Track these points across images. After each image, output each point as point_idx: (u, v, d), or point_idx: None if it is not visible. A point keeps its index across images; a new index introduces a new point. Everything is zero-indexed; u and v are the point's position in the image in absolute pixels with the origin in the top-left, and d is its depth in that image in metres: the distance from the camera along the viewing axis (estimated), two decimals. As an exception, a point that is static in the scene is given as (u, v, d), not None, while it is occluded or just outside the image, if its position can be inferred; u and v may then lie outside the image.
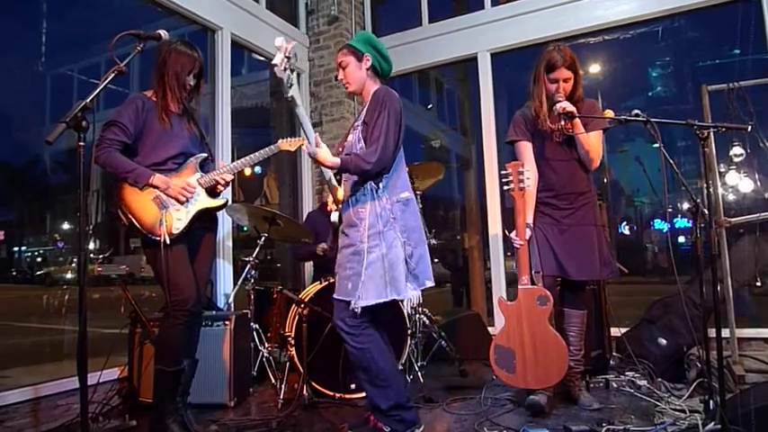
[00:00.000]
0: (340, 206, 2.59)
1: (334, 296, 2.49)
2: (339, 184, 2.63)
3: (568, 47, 2.90)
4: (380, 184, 2.45)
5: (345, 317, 2.42)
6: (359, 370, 2.46)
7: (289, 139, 2.99)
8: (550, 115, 2.86)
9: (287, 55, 2.12)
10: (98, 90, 1.87)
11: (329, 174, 2.58)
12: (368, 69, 2.56)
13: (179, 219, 2.56)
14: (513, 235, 2.85)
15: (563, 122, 2.75)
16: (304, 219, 4.59)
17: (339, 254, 2.53)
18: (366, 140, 2.45)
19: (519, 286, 2.80)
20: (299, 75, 5.27)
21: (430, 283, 2.52)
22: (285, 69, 2.14)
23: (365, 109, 2.53)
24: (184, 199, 2.58)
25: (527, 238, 2.82)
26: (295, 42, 2.17)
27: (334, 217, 2.60)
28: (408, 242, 2.43)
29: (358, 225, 2.43)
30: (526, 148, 2.98)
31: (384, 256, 2.37)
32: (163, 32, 2.13)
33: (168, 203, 2.55)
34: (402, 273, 2.39)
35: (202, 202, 2.67)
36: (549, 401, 2.82)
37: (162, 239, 2.45)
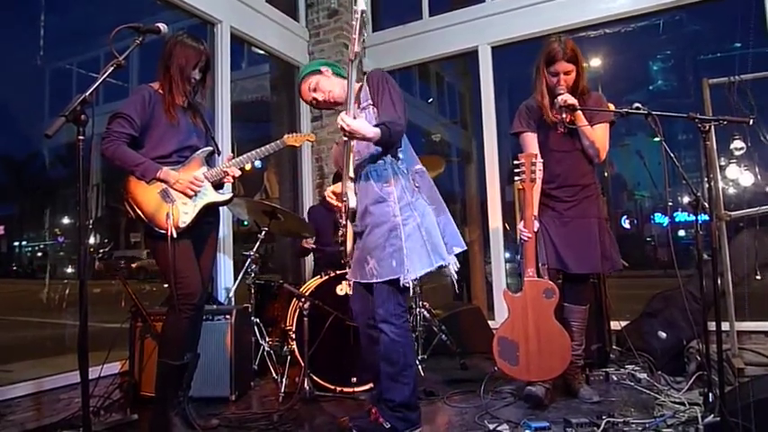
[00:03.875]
0: (344, 198, 2.49)
1: (377, 280, 2.38)
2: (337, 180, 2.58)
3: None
4: (399, 156, 2.46)
5: (390, 305, 2.38)
6: (385, 362, 2.40)
7: (294, 134, 2.99)
8: (552, 108, 2.86)
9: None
10: (97, 83, 1.86)
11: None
12: (334, 75, 2.59)
13: (186, 212, 2.56)
14: (521, 227, 2.84)
15: (565, 115, 2.74)
16: (305, 213, 4.58)
17: (369, 234, 2.42)
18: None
19: (525, 278, 2.79)
20: (296, 67, 5.25)
21: (459, 249, 2.50)
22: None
23: (364, 93, 2.50)
24: (192, 193, 2.58)
25: (535, 230, 2.82)
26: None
27: (353, 202, 2.49)
28: (433, 209, 2.46)
29: (386, 200, 2.40)
30: (531, 140, 2.97)
31: (420, 226, 2.37)
32: (162, 26, 2.12)
33: (175, 197, 2.55)
34: (440, 238, 2.40)
35: (209, 196, 2.66)
36: (547, 393, 2.83)
37: (169, 233, 2.44)
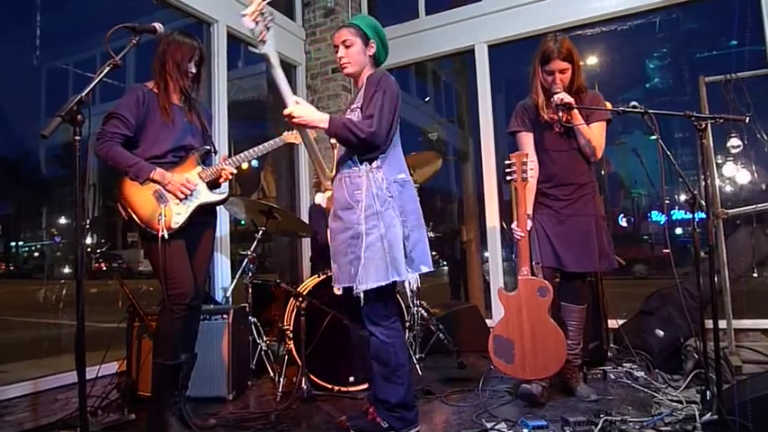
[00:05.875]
0: (327, 190, 2.50)
1: (336, 285, 2.43)
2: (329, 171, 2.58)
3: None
4: (375, 164, 2.39)
5: (375, 307, 2.37)
6: (377, 362, 2.40)
7: (292, 131, 2.98)
8: (548, 106, 2.86)
9: (260, 9, 2.04)
10: (93, 83, 1.86)
11: (313, 142, 2.46)
12: (370, 56, 2.51)
13: (178, 213, 2.55)
14: (514, 226, 2.85)
15: (561, 113, 2.75)
16: (305, 212, 4.57)
17: (334, 240, 2.46)
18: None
19: (519, 277, 2.80)
20: (294, 67, 5.25)
21: (426, 269, 2.45)
22: (257, 23, 2.05)
23: (361, 93, 2.46)
24: (183, 196, 2.57)
25: (528, 229, 2.83)
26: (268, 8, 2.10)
27: (319, 198, 2.53)
28: (405, 224, 2.38)
29: (354, 207, 2.37)
30: (527, 139, 2.98)
31: (383, 237, 2.31)
32: (158, 25, 2.12)
33: (168, 198, 2.54)
34: (401, 253, 2.33)
35: (203, 196, 2.66)
36: (543, 391, 2.83)
37: (160, 234, 2.44)
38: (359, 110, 2.40)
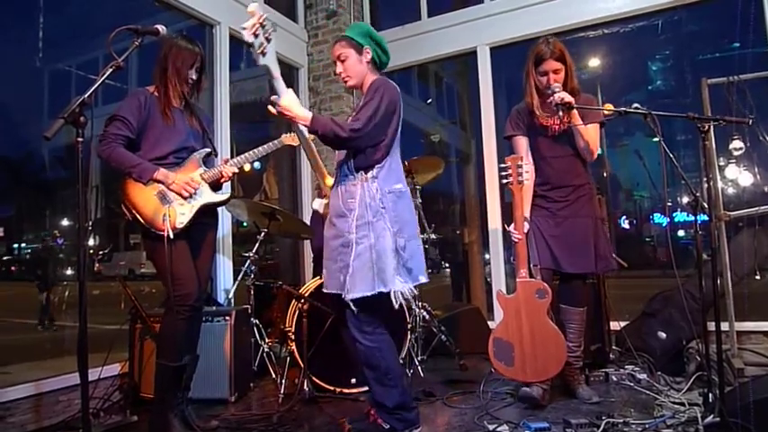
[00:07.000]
0: (326, 196, 2.54)
1: (324, 290, 2.46)
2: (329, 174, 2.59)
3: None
4: (370, 174, 2.39)
5: (358, 313, 2.36)
6: (367, 367, 2.42)
7: (291, 133, 2.99)
8: (543, 105, 2.87)
9: (260, 22, 2.04)
10: (96, 85, 1.86)
11: (312, 146, 2.48)
12: (368, 62, 2.50)
13: (182, 213, 2.56)
14: (511, 228, 2.86)
15: (561, 113, 2.74)
16: (307, 214, 4.58)
17: (327, 246, 2.48)
18: None
19: (517, 279, 2.80)
20: (296, 69, 5.26)
21: (423, 279, 2.47)
22: (257, 36, 2.05)
23: (363, 98, 2.47)
24: (188, 194, 2.58)
25: (525, 231, 2.83)
26: (271, 13, 2.11)
27: (317, 204, 2.55)
28: (401, 234, 2.37)
29: (347, 215, 2.37)
30: (522, 143, 3.01)
31: (372, 247, 2.32)
32: (161, 27, 2.13)
33: (172, 198, 2.55)
34: (390, 264, 2.32)
35: (206, 197, 2.67)
36: (544, 394, 2.83)
37: (165, 234, 2.44)
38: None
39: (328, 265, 2.45)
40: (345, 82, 2.54)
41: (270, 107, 2.30)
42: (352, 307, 2.34)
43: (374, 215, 2.35)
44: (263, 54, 2.12)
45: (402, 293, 2.35)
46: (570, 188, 2.92)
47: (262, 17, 2.06)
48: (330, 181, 2.58)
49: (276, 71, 2.20)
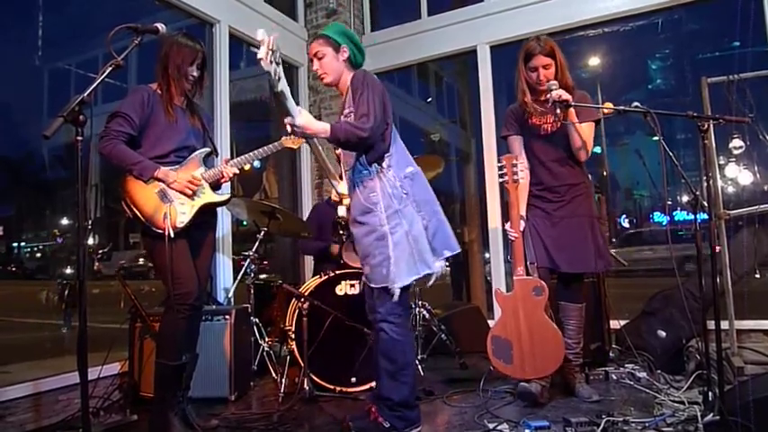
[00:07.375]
0: (344, 199, 2.56)
1: (372, 285, 2.44)
2: (341, 177, 2.60)
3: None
4: (384, 164, 2.44)
5: (389, 304, 2.39)
6: (384, 358, 2.43)
7: (291, 136, 2.98)
8: (535, 102, 2.87)
9: (271, 48, 2.03)
10: (95, 84, 1.86)
11: (321, 152, 2.52)
12: (345, 60, 2.55)
13: (183, 212, 2.56)
14: (507, 227, 2.88)
15: (558, 111, 2.71)
16: (310, 211, 4.57)
17: (360, 243, 2.50)
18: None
19: (514, 277, 2.82)
20: (296, 68, 5.26)
21: (449, 252, 2.51)
22: (271, 63, 2.05)
23: (348, 97, 2.48)
24: (190, 192, 2.58)
25: (521, 229, 2.84)
26: (278, 34, 2.09)
27: (342, 211, 2.58)
28: (423, 215, 2.44)
29: (374, 210, 2.41)
30: (517, 143, 3.03)
31: (408, 233, 2.38)
32: (160, 26, 2.12)
33: (173, 197, 2.55)
34: (427, 246, 2.41)
35: (207, 196, 2.67)
36: (542, 391, 2.83)
37: (166, 233, 2.44)
38: (353, 114, 2.42)
39: (367, 261, 2.46)
40: (322, 79, 2.58)
41: (288, 127, 2.30)
42: (396, 297, 2.36)
43: (400, 202, 2.41)
44: (279, 79, 2.12)
45: (439, 273, 2.45)
46: (565, 187, 2.92)
47: (271, 42, 2.05)
48: (343, 187, 2.59)
49: (288, 92, 2.21)
